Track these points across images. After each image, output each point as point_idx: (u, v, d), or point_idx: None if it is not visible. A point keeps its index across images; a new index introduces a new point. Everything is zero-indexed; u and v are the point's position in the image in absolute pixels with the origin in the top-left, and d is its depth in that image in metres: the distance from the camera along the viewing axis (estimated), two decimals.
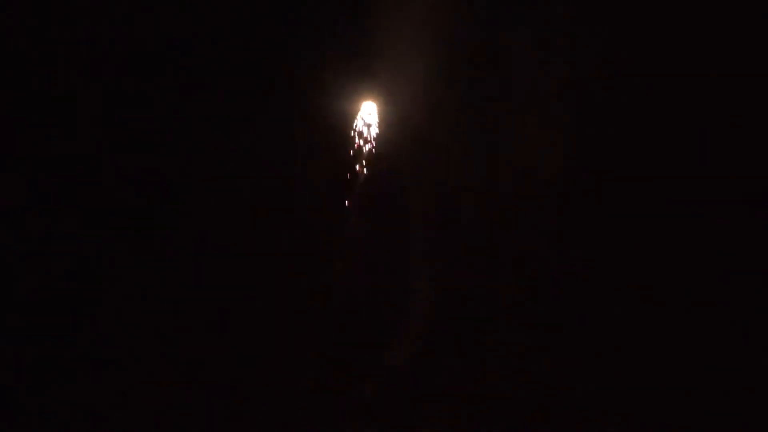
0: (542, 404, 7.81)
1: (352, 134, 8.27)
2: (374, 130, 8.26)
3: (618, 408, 7.76)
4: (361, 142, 8.25)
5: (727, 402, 7.63)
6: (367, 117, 8.22)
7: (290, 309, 8.11)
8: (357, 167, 8.34)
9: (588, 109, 8.19)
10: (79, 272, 7.94)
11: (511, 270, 8.21)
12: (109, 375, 7.78)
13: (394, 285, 8.22)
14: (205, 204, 8.15)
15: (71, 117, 8.05)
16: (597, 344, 7.96)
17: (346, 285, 8.20)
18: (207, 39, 8.13)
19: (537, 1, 8.16)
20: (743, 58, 8.00)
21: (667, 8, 8.09)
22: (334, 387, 7.87)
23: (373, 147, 8.29)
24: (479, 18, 8.18)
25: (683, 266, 8.01)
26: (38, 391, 7.66)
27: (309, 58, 8.12)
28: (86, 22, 8.02)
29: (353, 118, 8.24)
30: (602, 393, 7.80)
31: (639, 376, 7.83)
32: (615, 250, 8.13)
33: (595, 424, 7.71)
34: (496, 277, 8.21)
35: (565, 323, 8.07)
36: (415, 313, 8.12)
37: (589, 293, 8.08)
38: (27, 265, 7.87)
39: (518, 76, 8.22)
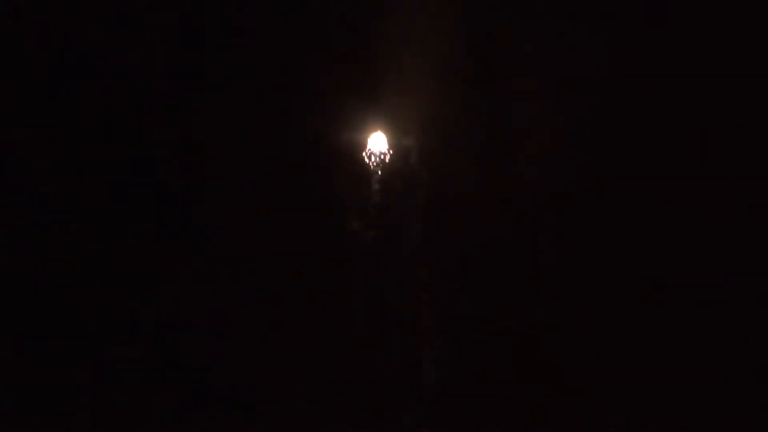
0: (542, 404, 7.82)
1: (363, 156, 8.35)
2: (383, 155, 8.34)
3: (618, 408, 7.77)
4: (371, 163, 8.32)
5: (727, 402, 7.65)
6: (376, 145, 8.31)
7: (291, 310, 8.11)
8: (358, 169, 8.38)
9: (588, 110, 8.19)
10: (80, 272, 7.93)
11: (511, 270, 8.21)
12: (109, 375, 7.78)
13: (395, 287, 8.23)
14: (208, 207, 8.16)
15: (83, 117, 8.09)
16: (597, 344, 7.96)
17: (348, 286, 8.21)
18: (220, 50, 8.21)
19: (540, 13, 8.19)
20: (743, 59, 8.01)
21: (667, 8, 8.10)
22: (335, 387, 7.88)
23: (380, 160, 8.34)
24: (481, 35, 8.22)
25: (683, 266, 8.02)
26: (38, 390, 7.67)
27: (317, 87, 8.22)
28: (93, 23, 8.06)
29: (363, 145, 8.33)
30: (602, 393, 7.80)
31: (639, 375, 7.84)
32: (615, 250, 8.14)
33: (595, 424, 7.72)
34: (497, 277, 8.21)
35: (565, 323, 8.07)
36: (415, 314, 8.13)
37: (588, 293, 8.08)
38: (27, 264, 7.88)
39: (521, 80, 8.23)
